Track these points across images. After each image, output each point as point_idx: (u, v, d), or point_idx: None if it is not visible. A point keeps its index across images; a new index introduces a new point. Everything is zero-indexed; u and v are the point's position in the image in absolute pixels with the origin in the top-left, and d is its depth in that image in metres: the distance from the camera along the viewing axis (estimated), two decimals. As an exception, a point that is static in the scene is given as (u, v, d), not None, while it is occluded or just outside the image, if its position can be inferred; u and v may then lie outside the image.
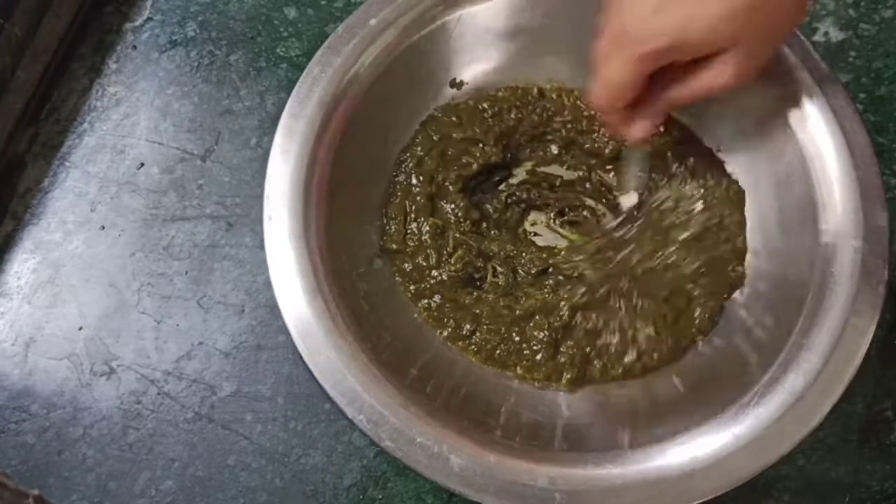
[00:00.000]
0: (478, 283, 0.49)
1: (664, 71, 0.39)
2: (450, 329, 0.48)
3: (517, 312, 0.47)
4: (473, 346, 0.47)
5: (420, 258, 0.49)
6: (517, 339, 0.47)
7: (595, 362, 0.46)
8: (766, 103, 0.46)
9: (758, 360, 0.43)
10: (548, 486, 0.38)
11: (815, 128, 0.44)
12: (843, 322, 0.40)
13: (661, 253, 0.48)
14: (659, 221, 0.49)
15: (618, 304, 0.47)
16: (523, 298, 0.47)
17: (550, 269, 0.49)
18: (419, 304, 0.48)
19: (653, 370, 0.46)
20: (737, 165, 0.49)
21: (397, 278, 0.49)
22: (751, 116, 0.48)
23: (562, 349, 0.47)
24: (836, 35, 0.57)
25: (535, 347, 0.47)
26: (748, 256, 0.48)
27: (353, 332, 0.42)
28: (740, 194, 0.49)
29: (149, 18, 0.59)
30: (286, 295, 0.42)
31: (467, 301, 0.48)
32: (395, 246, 0.49)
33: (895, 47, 0.56)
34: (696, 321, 0.47)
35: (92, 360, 0.50)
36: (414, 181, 0.50)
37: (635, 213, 0.49)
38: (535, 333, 0.47)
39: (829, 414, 0.39)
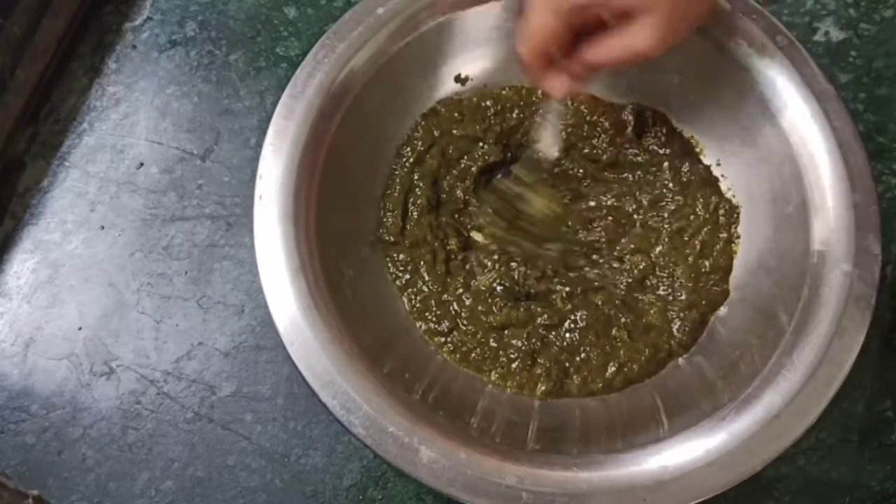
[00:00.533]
0: (466, 275, 0.49)
1: (588, 34, 0.40)
2: (430, 324, 0.48)
3: (492, 322, 0.47)
4: (450, 345, 0.47)
5: (413, 250, 0.49)
6: (494, 344, 0.47)
7: (574, 377, 0.46)
8: (769, 120, 0.46)
9: (737, 377, 0.42)
10: (515, 484, 0.38)
11: (814, 149, 0.44)
12: (826, 345, 0.40)
13: (640, 265, 0.48)
14: (641, 232, 0.49)
15: (594, 317, 0.47)
16: (503, 309, 0.48)
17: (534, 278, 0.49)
18: (404, 295, 0.48)
19: (631, 384, 0.46)
20: (735, 180, 0.50)
21: (387, 268, 0.49)
22: (753, 132, 0.47)
23: (539, 360, 0.47)
24: (836, 35, 0.56)
25: (511, 355, 0.47)
26: (735, 273, 0.48)
27: (333, 315, 0.41)
28: (734, 210, 0.49)
29: (148, 18, 0.59)
30: (270, 272, 0.41)
31: (450, 297, 0.48)
32: (391, 238, 0.49)
33: (895, 47, 0.56)
34: (677, 335, 0.47)
35: (91, 361, 0.50)
36: (416, 177, 0.50)
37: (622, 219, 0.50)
38: (514, 342, 0.47)
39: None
